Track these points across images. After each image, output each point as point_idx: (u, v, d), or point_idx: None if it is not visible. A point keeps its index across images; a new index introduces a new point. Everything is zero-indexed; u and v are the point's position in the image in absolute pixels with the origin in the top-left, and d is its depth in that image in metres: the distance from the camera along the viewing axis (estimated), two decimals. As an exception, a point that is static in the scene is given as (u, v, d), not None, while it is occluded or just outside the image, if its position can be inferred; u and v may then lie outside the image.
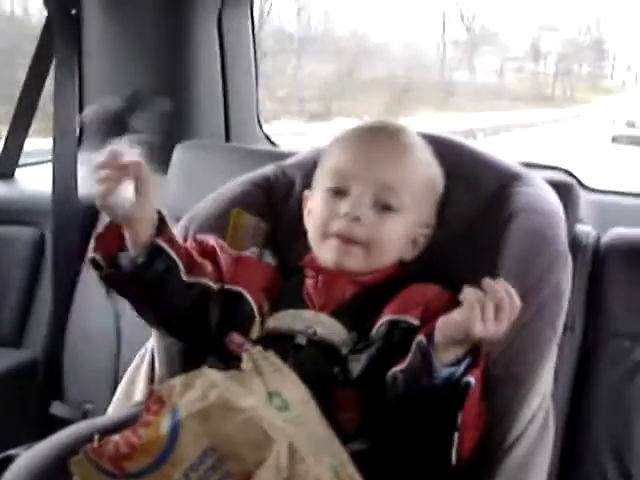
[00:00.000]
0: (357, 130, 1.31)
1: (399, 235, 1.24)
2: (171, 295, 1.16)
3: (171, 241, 1.14)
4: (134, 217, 1.09)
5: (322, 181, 1.29)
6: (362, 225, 1.21)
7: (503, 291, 1.01)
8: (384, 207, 1.23)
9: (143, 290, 1.15)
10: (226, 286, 1.23)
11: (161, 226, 1.13)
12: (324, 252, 1.24)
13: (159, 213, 1.13)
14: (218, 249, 1.26)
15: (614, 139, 4.54)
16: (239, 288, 1.23)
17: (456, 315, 1.03)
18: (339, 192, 1.24)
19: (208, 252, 1.24)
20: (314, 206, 1.29)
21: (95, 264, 1.14)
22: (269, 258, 1.31)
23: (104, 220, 1.90)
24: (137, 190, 1.07)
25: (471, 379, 1.02)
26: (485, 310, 1.00)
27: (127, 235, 1.11)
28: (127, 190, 1.06)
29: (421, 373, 1.04)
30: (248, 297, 1.22)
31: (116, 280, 1.16)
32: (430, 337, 1.05)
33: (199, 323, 1.21)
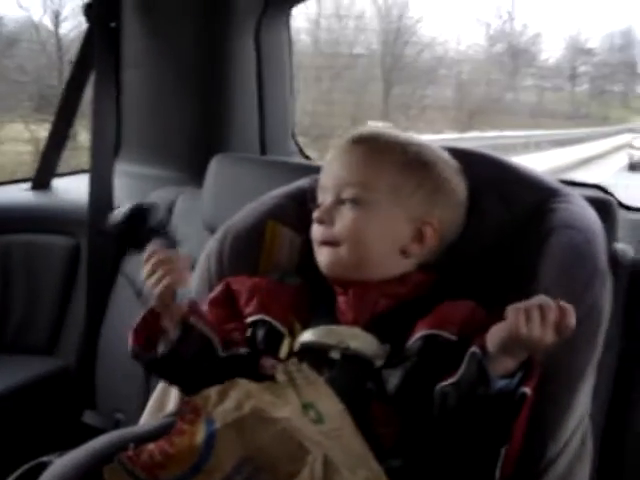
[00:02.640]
0: (336, 144, 1.33)
1: (372, 224, 1.24)
2: (210, 370, 1.17)
3: (203, 319, 1.19)
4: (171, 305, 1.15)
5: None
6: (327, 225, 1.25)
7: (550, 300, 1.02)
8: (352, 202, 1.24)
9: (183, 371, 1.19)
10: (249, 319, 1.24)
11: (192, 308, 1.18)
12: (319, 263, 1.28)
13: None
14: (234, 286, 1.29)
15: (631, 167, 4.46)
16: (262, 316, 1.23)
17: (503, 323, 1.03)
18: (319, 206, 1.29)
19: (228, 294, 1.29)
20: None
21: (135, 354, 1.20)
22: (292, 279, 1.32)
23: (138, 232, 1.94)
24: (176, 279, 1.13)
25: (527, 390, 1.02)
26: (529, 313, 1.00)
27: (165, 321, 1.15)
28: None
29: (476, 384, 1.03)
30: (273, 322, 1.22)
31: (157, 365, 1.20)
32: (483, 348, 1.04)
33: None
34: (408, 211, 1.25)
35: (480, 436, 1.05)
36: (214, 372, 1.16)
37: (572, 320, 1.01)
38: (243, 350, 1.21)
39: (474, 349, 1.05)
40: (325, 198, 1.28)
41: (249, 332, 1.23)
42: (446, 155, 1.31)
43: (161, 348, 1.16)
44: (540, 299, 1.02)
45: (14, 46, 4.37)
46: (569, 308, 1.02)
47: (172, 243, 1.11)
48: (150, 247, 1.16)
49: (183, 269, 1.14)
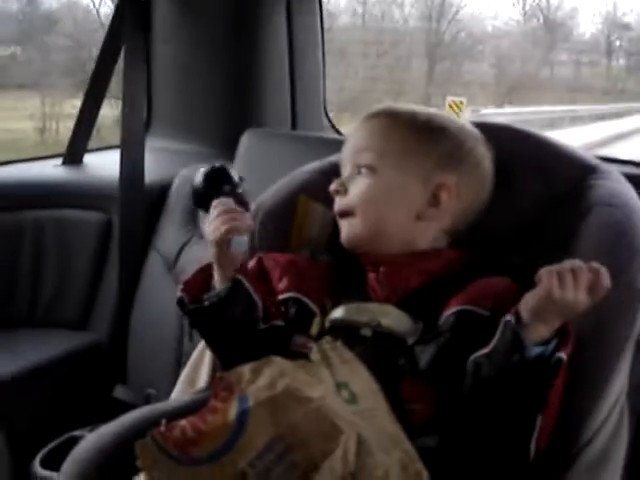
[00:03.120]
0: (360, 120, 1.34)
1: (383, 189, 1.24)
2: (248, 338, 1.19)
3: (251, 281, 1.21)
4: (231, 259, 1.18)
5: None
6: (342, 196, 1.26)
7: (582, 263, 1.01)
8: (358, 171, 1.26)
9: (224, 330, 1.20)
10: (281, 296, 1.24)
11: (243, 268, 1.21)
12: (341, 238, 1.28)
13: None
14: (267, 262, 1.29)
15: None
16: (294, 294, 1.23)
17: (536, 288, 1.03)
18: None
19: (261, 270, 1.29)
20: None
21: (181, 304, 1.20)
22: (323, 256, 1.31)
23: (170, 206, 1.94)
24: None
25: (562, 355, 1.01)
26: (562, 276, 1.00)
27: (216, 275, 1.18)
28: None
29: (511, 352, 1.02)
30: (305, 300, 1.22)
31: (199, 317, 1.20)
32: (517, 316, 1.04)
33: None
34: (421, 174, 1.24)
35: (515, 405, 1.04)
36: (251, 341, 1.18)
37: (606, 281, 1.01)
38: (280, 323, 1.21)
39: (508, 317, 1.04)
40: (344, 171, 1.29)
41: (281, 309, 1.23)
42: (464, 122, 1.31)
43: (208, 300, 1.17)
44: (572, 262, 1.02)
45: (57, 24, 4.39)
46: (602, 269, 1.01)
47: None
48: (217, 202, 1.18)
49: (245, 218, 1.18)
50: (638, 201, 1.26)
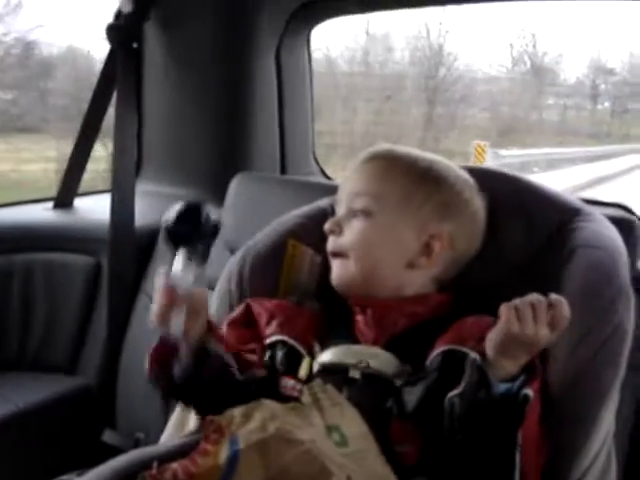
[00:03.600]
0: (355, 162, 1.34)
1: (378, 235, 1.25)
2: (227, 394, 1.16)
3: (220, 342, 1.18)
4: (186, 335, 1.12)
5: None
6: (335, 235, 1.27)
7: (541, 297, 1.03)
8: (363, 213, 1.26)
9: (200, 395, 1.18)
10: (268, 340, 1.25)
11: (209, 333, 1.16)
12: (332, 277, 1.29)
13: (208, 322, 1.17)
14: (254, 308, 1.29)
15: None
16: (282, 336, 1.24)
17: (498, 324, 1.04)
18: None
19: (248, 316, 1.29)
20: None
21: (151, 380, 1.19)
22: (310, 302, 1.32)
23: (160, 250, 1.95)
24: (189, 313, 1.10)
25: (529, 391, 1.02)
26: (521, 311, 1.02)
27: (181, 348, 1.13)
28: (180, 318, 1.10)
29: (478, 390, 1.04)
30: (293, 342, 1.23)
31: (173, 391, 1.20)
32: (483, 355, 1.06)
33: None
34: (417, 223, 1.26)
35: (490, 441, 1.05)
36: (231, 395, 1.15)
37: (566, 312, 1.03)
38: (259, 372, 1.21)
39: (473, 356, 1.06)
40: (339, 211, 1.30)
41: (268, 353, 1.24)
42: (461, 172, 1.32)
43: (177, 373, 1.14)
44: (532, 296, 1.04)
45: (54, 70, 4.45)
46: (562, 301, 1.03)
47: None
48: (158, 279, 1.12)
49: (199, 309, 1.13)
50: (621, 242, 1.28)
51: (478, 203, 1.30)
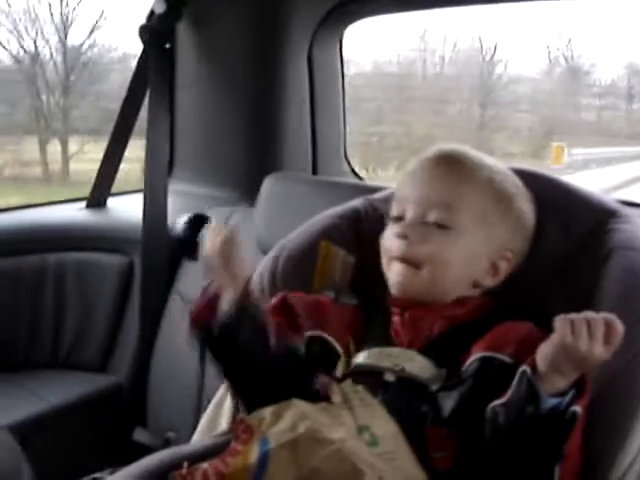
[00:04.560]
0: (422, 158, 1.30)
1: (457, 253, 1.21)
2: (263, 359, 1.17)
3: (257, 304, 1.18)
4: (227, 280, 1.16)
5: (391, 212, 1.30)
6: (411, 243, 1.22)
7: (597, 315, 1.00)
8: (438, 226, 1.22)
9: (235, 355, 1.17)
10: (307, 333, 1.23)
11: (248, 290, 1.18)
12: (390, 280, 1.25)
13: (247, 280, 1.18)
14: (292, 300, 1.27)
15: None
16: (320, 332, 1.23)
17: (552, 337, 1.02)
18: (399, 218, 1.26)
19: (285, 306, 1.27)
20: (383, 237, 1.30)
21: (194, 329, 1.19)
22: (347, 298, 1.31)
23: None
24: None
25: (578, 409, 1.00)
26: (576, 325, 0.99)
27: (223, 297, 1.16)
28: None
29: (526, 403, 1.01)
30: (330, 339, 1.22)
31: (212, 344, 1.19)
32: (533, 367, 1.03)
33: (285, 386, 1.16)
34: (491, 244, 1.24)
35: (532, 455, 1.03)
36: (268, 366, 1.16)
37: (620, 330, 1.00)
38: (300, 345, 1.21)
39: (524, 368, 1.04)
40: (407, 212, 1.25)
41: (304, 348, 1.22)
42: (521, 185, 1.29)
43: (217, 323, 1.15)
44: (587, 313, 1.01)
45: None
46: (615, 320, 1.00)
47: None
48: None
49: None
50: None
51: (533, 214, 1.29)
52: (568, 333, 0.99)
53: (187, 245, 1.17)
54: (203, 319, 1.17)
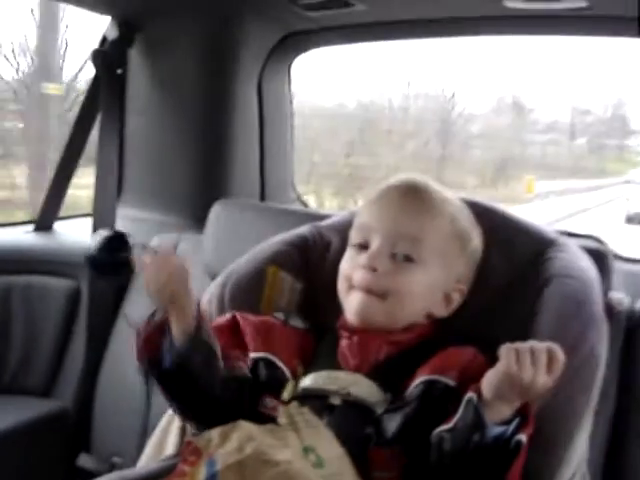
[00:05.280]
0: (384, 188, 1.32)
1: (420, 286, 1.24)
2: (213, 386, 1.17)
3: (208, 332, 1.17)
4: (177, 311, 1.13)
5: (350, 239, 1.32)
6: (379, 275, 1.23)
7: (540, 344, 1.03)
8: (404, 258, 1.24)
9: (187, 384, 1.16)
10: (253, 355, 1.24)
11: (200, 319, 1.15)
12: (348, 307, 1.26)
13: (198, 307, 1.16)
14: (241, 321, 1.28)
15: (629, 219, 4.48)
16: (267, 354, 1.24)
17: (497, 366, 1.04)
18: (362, 247, 1.27)
19: (232, 327, 1.27)
20: (342, 263, 1.31)
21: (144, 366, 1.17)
22: (296, 322, 1.32)
23: (139, 276, 1.95)
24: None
25: (522, 437, 1.02)
26: (520, 355, 1.02)
27: (173, 328, 1.13)
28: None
29: (472, 430, 1.04)
30: (277, 362, 1.23)
31: (162, 378, 1.17)
32: (479, 394, 1.05)
33: (234, 410, 1.16)
34: (449, 277, 1.27)
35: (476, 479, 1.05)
36: (216, 392, 1.16)
37: (562, 360, 1.03)
38: (245, 370, 1.21)
39: (470, 395, 1.06)
40: (372, 241, 1.26)
41: (251, 368, 1.23)
42: (473, 218, 1.33)
43: (167, 356, 1.13)
44: (530, 343, 1.04)
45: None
46: (557, 349, 1.03)
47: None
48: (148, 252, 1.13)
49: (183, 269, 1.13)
50: (595, 272, 1.30)
51: (481, 246, 1.33)
52: (513, 363, 1.02)
53: (100, 265, 1.13)
54: (150, 350, 1.15)
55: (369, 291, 1.23)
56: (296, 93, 2.31)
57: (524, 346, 1.03)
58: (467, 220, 1.31)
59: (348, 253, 1.30)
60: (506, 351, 1.03)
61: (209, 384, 1.16)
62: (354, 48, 2.31)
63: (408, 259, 1.24)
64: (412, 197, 1.28)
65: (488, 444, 1.03)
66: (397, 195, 1.29)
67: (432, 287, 1.26)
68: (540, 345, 1.04)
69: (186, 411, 1.23)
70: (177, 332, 1.13)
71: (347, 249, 1.32)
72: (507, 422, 1.04)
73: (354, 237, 1.30)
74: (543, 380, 1.02)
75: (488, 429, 1.03)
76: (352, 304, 1.25)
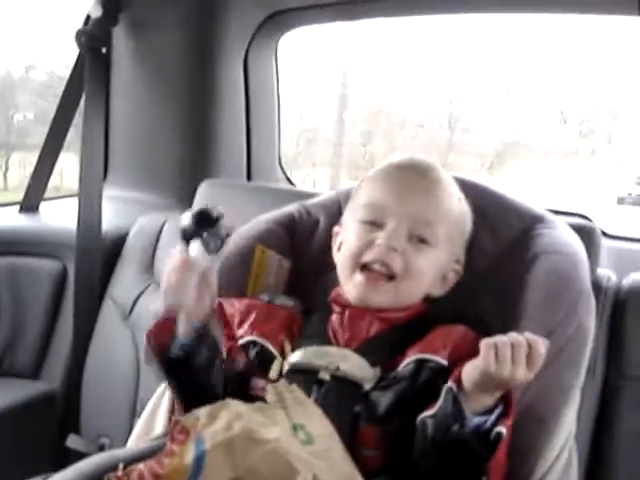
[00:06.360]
0: (388, 167, 1.31)
1: (432, 269, 1.25)
2: (213, 381, 1.17)
3: (217, 335, 1.17)
4: (195, 308, 1.12)
5: (356, 215, 1.29)
6: (399, 256, 1.22)
7: (521, 337, 1.02)
8: (419, 240, 1.23)
9: (189, 377, 1.16)
10: (241, 340, 1.24)
11: (213, 314, 1.15)
12: (351, 286, 1.25)
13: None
14: (226, 306, 1.28)
15: (620, 200, 4.49)
16: (253, 337, 1.23)
17: (475, 360, 1.04)
18: (374, 225, 1.25)
19: (221, 313, 1.26)
20: (346, 239, 1.29)
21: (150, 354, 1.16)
22: (282, 300, 1.32)
23: (126, 255, 1.95)
24: (201, 283, 1.11)
25: (502, 429, 1.02)
26: (500, 352, 1.01)
27: (180, 324, 1.12)
28: (190, 288, 1.11)
29: (452, 420, 1.03)
30: (265, 342, 1.22)
31: (166, 367, 1.17)
32: (459, 384, 1.05)
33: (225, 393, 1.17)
34: (450, 259, 1.28)
35: (457, 470, 1.05)
36: (215, 384, 1.17)
37: (542, 352, 1.02)
38: (241, 367, 1.21)
39: (450, 385, 1.06)
40: (388, 222, 1.24)
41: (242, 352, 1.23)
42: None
43: (175, 349, 1.13)
44: (511, 336, 1.02)
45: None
46: (538, 341, 1.02)
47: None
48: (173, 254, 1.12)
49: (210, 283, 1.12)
50: (582, 248, 1.30)
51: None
52: (492, 361, 1.00)
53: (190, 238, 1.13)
54: (160, 341, 1.14)
55: (379, 272, 1.22)
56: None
57: (504, 340, 1.01)
58: (465, 202, 1.32)
59: (356, 229, 1.27)
60: (485, 348, 1.02)
61: (208, 374, 1.16)
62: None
63: (423, 241, 1.23)
64: (428, 179, 1.27)
65: (468, 435, 1.03)
66: (414, 175, 1.28)
67: (438, 269, 1.26)
68: (520, 338, 1.02)
69: (183, 397, 1.22)
70: (183, 327, 1.12)
71: (352, 225, 1.29)
72: (489, 411, 1.04)
73: (362, 214, 1.27)
74: (522, 374, 1.01)
75: (467, 420, 1.03)
76: (356, 285, 1.24)
